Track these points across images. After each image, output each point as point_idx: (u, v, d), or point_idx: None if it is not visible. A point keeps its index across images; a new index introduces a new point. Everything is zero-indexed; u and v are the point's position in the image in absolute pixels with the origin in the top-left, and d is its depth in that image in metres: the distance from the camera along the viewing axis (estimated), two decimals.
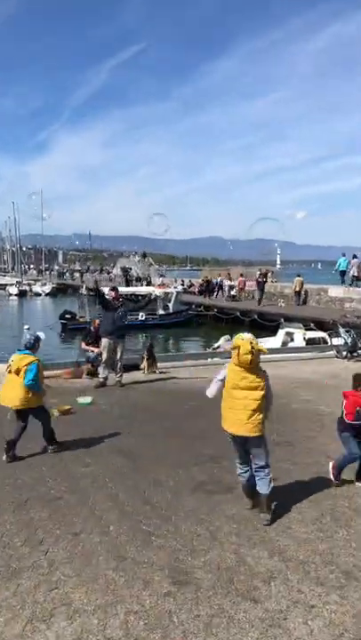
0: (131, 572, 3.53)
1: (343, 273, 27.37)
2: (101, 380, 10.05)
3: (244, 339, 4.19)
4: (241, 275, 37.81)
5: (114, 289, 10.93)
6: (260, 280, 29.62)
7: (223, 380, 4.34)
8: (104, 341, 10.13)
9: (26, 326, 32.38)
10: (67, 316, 30.49)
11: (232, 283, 32.70)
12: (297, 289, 28.66)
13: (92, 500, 4.66)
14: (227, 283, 32.87)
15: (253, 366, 4.20)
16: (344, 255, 27.55)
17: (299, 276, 29.64)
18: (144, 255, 55.11)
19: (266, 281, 30.50)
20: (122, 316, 10.22)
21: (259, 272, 31.34)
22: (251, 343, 4.14)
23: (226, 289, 32.97)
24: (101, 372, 10.18)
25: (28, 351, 5.83)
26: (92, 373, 11.03)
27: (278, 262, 43.56)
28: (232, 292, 32.20)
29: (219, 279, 37.24)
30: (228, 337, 21.34)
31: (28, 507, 4.55)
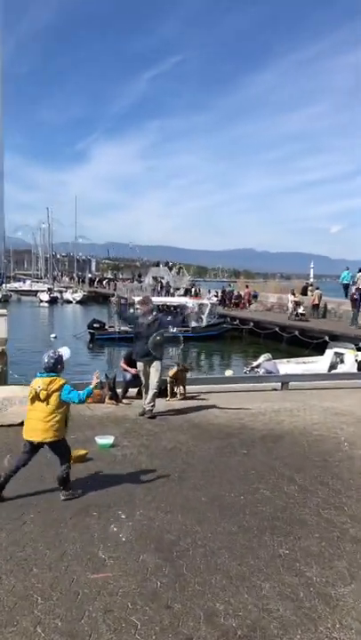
0: None
1: (346, 286, 27.69)
2: (145, 407, 8.37)
3: None
4: (247, 286, 39.41)
5: (145, 301, 9.07)
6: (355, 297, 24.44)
7: None
8: (138, 365, 8.52)
9: (52, 335, 31.24)
10: (95, 325, 28.99)
11: (297, 299, 30.28)
12: (315, 302, 28.40)
13: None
14: (291, 298, 30.53)
15: None
16: (348, 269, 28.16)
17: (318, 289, 30.05)
18: (167, 264, 54.14)
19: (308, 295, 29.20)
20: (157, 333, 8.40)
21: None
22: None
23: (290, 305, 30.21)
24: (143, 398, 8.55)
25: (52, 373, 4.82)
26: (116, 398, 9.29)
27: (312, 276, 41.92)
28: (300, 310, 29.32)
29: (235, 290, 39.61)
30: (268, 355, 19.33)
31: None
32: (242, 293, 38.40)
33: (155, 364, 8.27)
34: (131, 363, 9.68)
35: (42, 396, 4.70)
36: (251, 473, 5.71)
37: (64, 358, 4.98)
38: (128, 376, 9.71)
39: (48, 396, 4.70)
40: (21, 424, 7.40)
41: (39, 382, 4.75)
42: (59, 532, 4.09)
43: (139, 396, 9.30)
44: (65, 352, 5.06)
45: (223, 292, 39.66)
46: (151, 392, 8.29)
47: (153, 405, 8.29)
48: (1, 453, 6.17)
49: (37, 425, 4.71)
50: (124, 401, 9.40)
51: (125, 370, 9.87)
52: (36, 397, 4.73)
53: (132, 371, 9.52)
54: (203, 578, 3.51)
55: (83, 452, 6.00)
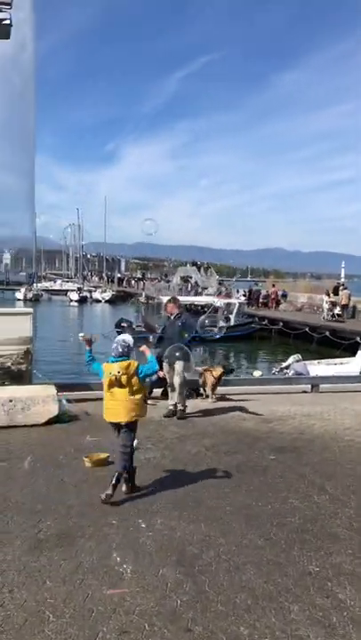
0: None
1: None
2: (170, 408, 8.22)
3: None
4: (273, 285, 39.49)
5: (171, 301, 8.99)
6: None
7: None
8: (164, 365, 8.36)
9: (81, 334, 31.43)
10: (122, 324, 28.97)
11: (333, 299, 29.63)
12: (344, 302, 28.00)
13: None
14: (326, 299, 29.92)
15: None
16: None
17: (346, 288, 29.75)
18: (194, 264, 53.87)
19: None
20: (179, 332, 8.26)
21: None
22: None
23: (326, 306, 29.56)
24: (170, 399, 8.42)
25: (126, 357, 4.96)
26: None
27: (343, 276, 41.22)
28: (336, 311, 28.55)
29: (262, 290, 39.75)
30: (298, 356, 18.89)
31: None
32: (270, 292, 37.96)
33: (178, 363, 8.09)
34: (160, 363, 9.56)
35: (124, 381, 4.78)
36: (279, 480, 5.43)
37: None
38: (154, 377, 9.56)
39: (130, 379, 4.81)
40: (45, 424, 7.38)
41: (116, 367, 4.82)
42: (75, 541, 3.90)
43: (164, 396, 9.13)
44: (130, 340, 5.12)
45: (250, 291, 39.47)
46: (177, 393, 8.12)
47: (185, 406, 8.21)
48: (22, 454, 6.06)
49: (122, 408, 4.80)
50: (148, 402, 9.21)
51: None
52: (115, 383, 4.80)
53: (160, 373, 9.39)
54: (226, 596, 3.26)
55: (104, 455, 5.81)
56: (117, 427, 4.90)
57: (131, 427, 4.90)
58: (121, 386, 4.81)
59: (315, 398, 10.35)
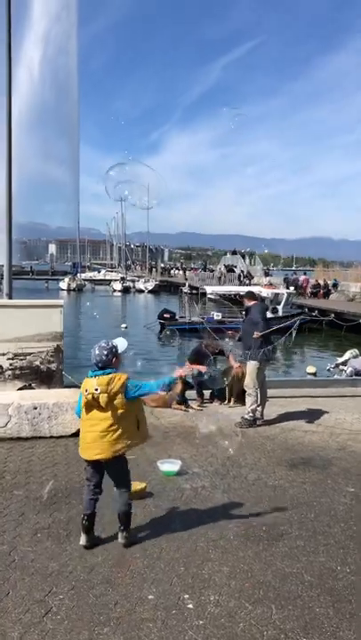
0: None
1: None
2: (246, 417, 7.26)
3: None
4: (304, 273, 38.40)
5: (245, 293, 8.08)
6: None
7: None
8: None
9: (123, 325, 30.59)
10: (165, 315, 27.91)
11: None
12: None
13: None
14: None
15: None
16: None
17: None
18: (234, 252, 52.28)
19: None
20: (244, 328, 7.39)
21: None
22: None
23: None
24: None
25: (109, 370, 3.64)
26: (185, 403, 8.03)
27: None
28: None
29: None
30: (356, 351, 17.37)
31: None
32: (320, 282, 36.18)
33: (249, 363, 7.29)
34: (200, 358, 8.49)
35: (102, 401, 3.54)
36: (355, 523, 4.13)
37: (119, 351, 3.74)
38: (195, 372, 8.57)
39: (111, 400, 3.56)
40: (73, 435, 6.34)
41: (93, 383, 3.57)
42: (95, 633, 2.76)
43: (215, 400, 8.50)
44: (120, 344, 3.80)
45: (286, 280, 38.38)
46: (246, 397, 7.33)
47: (249, 413, 7.18)
48: (43, 477, 5.01)
49: (100, 439, 3.58)
50: (195, 406, 8.08)
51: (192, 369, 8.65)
52: (93, 404, 3.59)
53: (202, 368, 8.40)
54: None
55: (140, 485, 4.64)
56: (95, 464, 3.69)
57: (118, 464, 3.69)
58: (100, 409, 3.57)
59: None
